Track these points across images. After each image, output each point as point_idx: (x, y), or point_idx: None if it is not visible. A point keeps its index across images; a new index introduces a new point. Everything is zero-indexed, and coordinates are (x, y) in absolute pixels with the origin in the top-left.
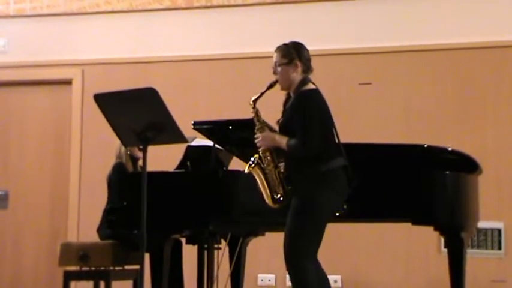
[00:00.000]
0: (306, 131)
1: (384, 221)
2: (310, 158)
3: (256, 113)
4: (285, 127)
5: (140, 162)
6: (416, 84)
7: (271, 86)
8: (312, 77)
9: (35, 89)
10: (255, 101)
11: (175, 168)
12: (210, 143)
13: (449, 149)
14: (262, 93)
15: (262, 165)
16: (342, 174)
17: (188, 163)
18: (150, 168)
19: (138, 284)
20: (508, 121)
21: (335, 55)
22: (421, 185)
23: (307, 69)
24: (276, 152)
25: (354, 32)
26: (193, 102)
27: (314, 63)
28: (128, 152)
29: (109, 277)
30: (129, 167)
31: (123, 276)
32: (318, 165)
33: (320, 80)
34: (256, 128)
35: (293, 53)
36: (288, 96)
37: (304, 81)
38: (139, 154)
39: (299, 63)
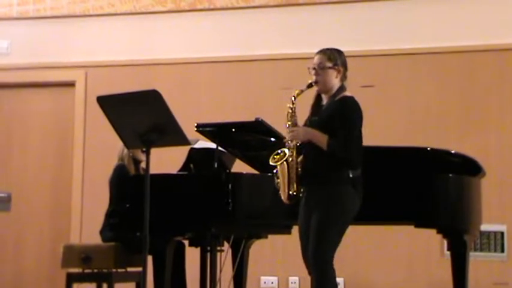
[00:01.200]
0: (348, 134)
1: (387, 223)
2: (340, 163)
3: (294, 109)
4: (323, 127)
5: (143, 165)
6: (419, 86)
7: (310, 86)
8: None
9: (38, 91)
10: (295, 97)
11: (178, 171)
12: (213, 145)
13: (452, 151)
14: (302, 91)
15: (289, 160)
16: (361, 182)
17: (191, 165)
18: (153, 170)
19: (141, 286)
20: (511, 124)
21: None
22: (424, 187)
23: (345, 77)
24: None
25: (358, 35)
26: (196, 104)
27: None
28: (130, 154)
29: (111, 279)
30: (131, 169)
31: (125, 278)
32: (347, 170)
33: None
34: (291, 122)
35: (337, 59)
36: (317, 99)
37: (343, 87)
38: (142, 156)
39: (341, 69)
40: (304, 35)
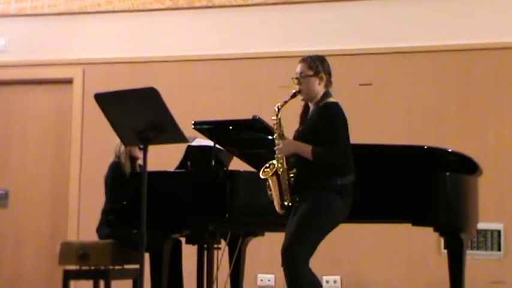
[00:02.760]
0: (333, 140)
1: (384, 222)
2: (328, 170)
3: (279, 120)
4: (307, 136)
5: (140, 162)
6: (418, 85)
7: (294, 96)
8: None
9: (35, 88)
10: (279, 108)
11: (176, 168)
12: (211, 143)
13: (449, 150)
14: (286, 102)
15: (279, 172)
16: (351, 189)
17: (188, 163)
18: (150, 168)
19: (138, 284)
20: (509, 123)
21: (336, 56)
22: (421, 186)
23: (330, 83)
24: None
25: (356, 33)
26: (194, 102)
27: None
28: (127, 151)
29: (108, 276)
30: (128, 167)
31: (122, 275)
32: (335, 178)
33: None
34: (277, 134)
35: (319, 66)
36: (306, 108)
37: (328, 94)
38: (139, 154)
39: (324, 77)
40: (302, 33)
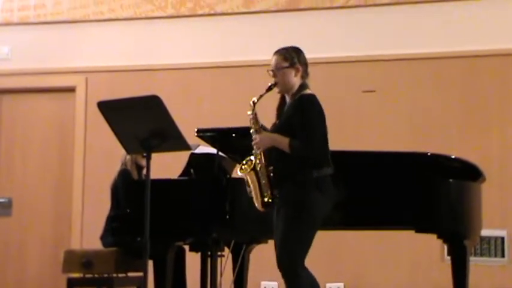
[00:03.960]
0: (309, 132)
1: (387, 228)
2: (305, 163)
3: (255, 115)
4: (283, 129)
5: (144, 170)
6: (421, 92)
7: (270, 89)
8: (316, 84)
9: (38, 97)
10: (255, 102)
11: (179, 176)
12: (214, 150)
13: (453, 156)
14: (261, 96)
15: (257, 168)
16: (331, 182)
17: (192, 170)
18: (154, 175)
19: None
20: None
21: (340, 63)
22: (424, 192)
23: (306, 74)
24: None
25: (359, 40)
26: (196, 109)
27: (319, 71)
28: (133, 160)
29: (112, 284)
30: (134, 175)
31: (126, 283)
32: (311, 171)
33: (325, 87)
34: (254, 129)
35: (294, 57)
36: (282, 100)
37: (304, 85)
38: (143, 162)
39: (300, 68)
40: (305, 40)
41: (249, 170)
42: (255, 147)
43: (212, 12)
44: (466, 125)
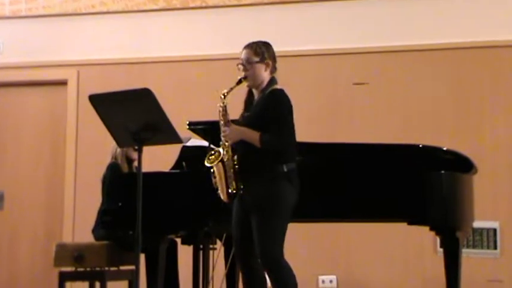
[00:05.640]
0: (282, 126)
1: (380, 221)
2: (275, 157)
3: (225, 107)
4: (254, 123)
5: (136, 163)
6: (413, 84)
7: (240, 82)
8: (308, 76)
9: (30, 90)
10: (225, 95)
11: (171, 169)
12: (205, 143)
13: (444, 148)
14: (231, 88)
15: (224, 160)
16: (297, 173)
17: (183, 163)
18: (146, 168)
19: (134, 285)
20: (504, 121)
21: (332, 55)
22: (416, 184)
23: (275, 69)
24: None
25: (351, 32)
26: (188, 102)
27: (311, 63)
28: (124, 153)
29: (104, 278)
30: (125, 168)
31: (118, 276)
32: (282, 164)
33: (317, 79)
34: (223, 121)
35: (264, 52)
36: (250, 94)
37: (274, 80)
38: (135, 155)
39: (270, 62)
40: (297, 33)
41: (216, 161)
42: (223, 139)
43: (204, 4)
44: (458, 117)
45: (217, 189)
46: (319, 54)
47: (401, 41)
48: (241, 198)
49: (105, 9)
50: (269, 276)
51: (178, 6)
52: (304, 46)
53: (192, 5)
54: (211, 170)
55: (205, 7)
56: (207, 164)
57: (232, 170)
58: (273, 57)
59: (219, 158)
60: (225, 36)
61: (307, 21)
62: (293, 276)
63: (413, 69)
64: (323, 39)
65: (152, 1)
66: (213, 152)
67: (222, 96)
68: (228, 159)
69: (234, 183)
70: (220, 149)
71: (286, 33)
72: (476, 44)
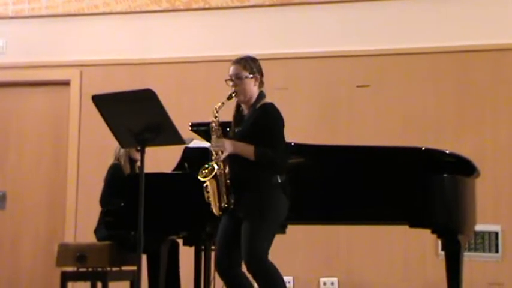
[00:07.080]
0: (276, 140)
1: (381, 223)
2: (269, 170)
3: (218, 122)
4: (246, 137)
5: (139, 164)
6: (415, 87)
7: (230, 97)
8: (310, 78)
9: (33, 90)
10: (217, 110)
11: (173, 170)
12: (208, 144)
13: (447, 151)
14: (223, 103)
15: (217, 174)
16: (288, 184)
17: (186, 164)
18: (148, 169)
19: (136, 285)
20: (506, 124)
21: (334, 57)
22: (418, 187)
23: (262, 83)
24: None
25: (353, 35)
26: (191, 103)
27: (313, 65)
28: (127, 154)
29: (106, 278)
30: (127, 169)
31: (120, 277)
32: (276, 176)
33: (319, 81)
34: (215, 136)
35: (253, 67)
36: (238, 109)
37: (262, 94)
38: (138, 156)
39: (258, 77)
40: (300, 35)
41: (211, 176)
42: (220, 153)
43: (207, 6)
44: (460, 120)
45: (209, 204)
46: (321, 56)
47: (402, 44)
48: (232, 211)
49: (108, 10)
50: (256, 279)
51: (181, 7)
52: (306, 48)
53: (195, 6)
54: (204, 185)
55: (208, 8)
56: (200, 178)
57: (224, 185)
58: (261, 71)
59: (214, 173)
60: (228, 38)
61: (309, 23)
62: (281, 278)
63: (414, 72)
64: (325, 42)
65: (155, 2)
66: (206, 166)
67: (215, 111)
68: (221, 173)
69: (225, 198)
70: (214, 164)
71: (288, 35)
72: (477, 47)
